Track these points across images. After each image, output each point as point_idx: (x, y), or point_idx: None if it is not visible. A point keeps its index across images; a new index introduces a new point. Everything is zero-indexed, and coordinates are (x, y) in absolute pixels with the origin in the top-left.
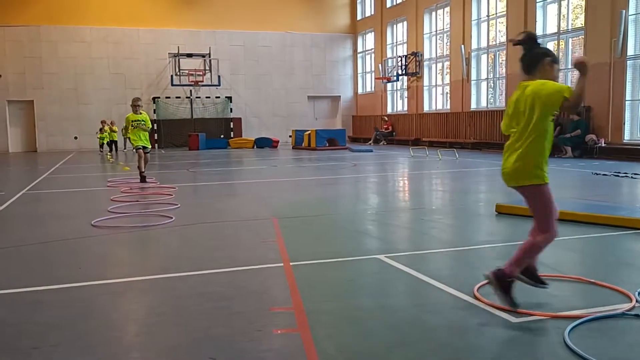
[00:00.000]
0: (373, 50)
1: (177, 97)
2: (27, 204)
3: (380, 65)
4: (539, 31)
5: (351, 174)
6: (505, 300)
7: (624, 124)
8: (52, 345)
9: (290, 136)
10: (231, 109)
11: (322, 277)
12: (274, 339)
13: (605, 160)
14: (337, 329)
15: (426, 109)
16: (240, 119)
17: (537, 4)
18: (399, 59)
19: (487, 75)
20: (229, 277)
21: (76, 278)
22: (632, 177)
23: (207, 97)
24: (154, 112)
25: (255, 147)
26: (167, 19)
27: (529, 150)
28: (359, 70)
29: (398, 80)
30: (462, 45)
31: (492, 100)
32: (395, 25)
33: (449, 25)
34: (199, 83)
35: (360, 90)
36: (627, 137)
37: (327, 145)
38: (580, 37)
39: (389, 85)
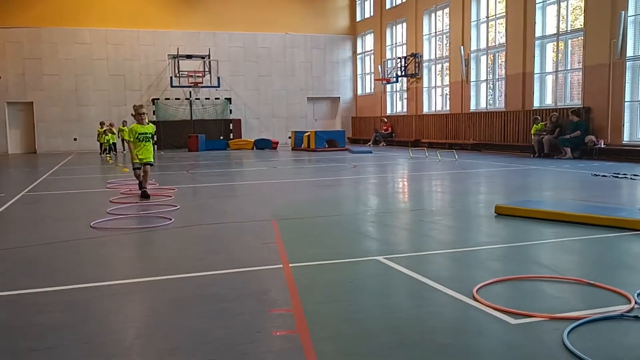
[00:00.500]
0: (372, 52)
1: (176, 99)
2: (26, 205)
3: (379, 66)
4: (538, 32)
5: (351, 175)
6: None
7: (624, 125)
8: (51, 347)
9: (289, 137)
10: (231, 110)
11: (322, 279)
12: (273, 341)
13: (605, 161)
14: (336, 331)
15: (425, 110)
16: (239, 120)
17: (537, 5)
18: (399, 60)
19: (487, 77)
20: (229, 279)
21: (75, 280)
22: (631, 178)
23: (206, 99)
24: (154, 114)
25: (254, 148)
26: (166, 21)
27: None
28: (359, 71)
29: (397, 82)
30: (462, 47)
31: (491, 102)
32: (394, 27)
33: (448, 27)
34: (199, 84)
35: (359, 92)
36: (626, 138)
37: (327, 146)
38: (579, 38)
39: (388, 86)
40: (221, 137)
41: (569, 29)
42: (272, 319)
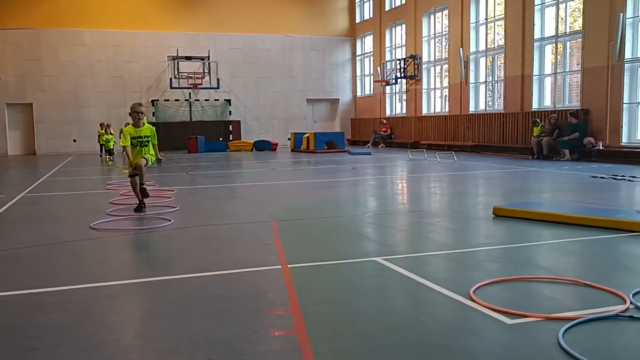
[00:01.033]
0: (372, 53)
1: (176, 100)
2: (26, 206)
3: (379, 68)
4: (537, 34)
5: (350, 177)
6: None
7: (622, 127)
8: (51, 347)
9: (289, 139)
10: (230, 112)
11: (320, 280)
12: (271, 341)
13: (603, 163)
14: (334, 331)
15: (425, 111)
16: (239, 121)
17: (536, 7)
18: (398, 62)
19: (486, 78)
20: (228, 280)
21: (76, 280)
22: (629, 179)
23: (206, 100)
24: (153, 115)
25: (254, 149)
26: (166, 22)
27: None
28: (358, 73)
29: (397, 83)
30: (461, 48)
31: (490, 103)
32: (393, 29)
33: (447, 28)
34: (198, 86)
35: (359, 93)
36: (624, 140)
37: (326, 148)
38: (578, 40)
39: (387, 88)
40: (221, 139)
41: (568, 30)
42: (271, 319)
